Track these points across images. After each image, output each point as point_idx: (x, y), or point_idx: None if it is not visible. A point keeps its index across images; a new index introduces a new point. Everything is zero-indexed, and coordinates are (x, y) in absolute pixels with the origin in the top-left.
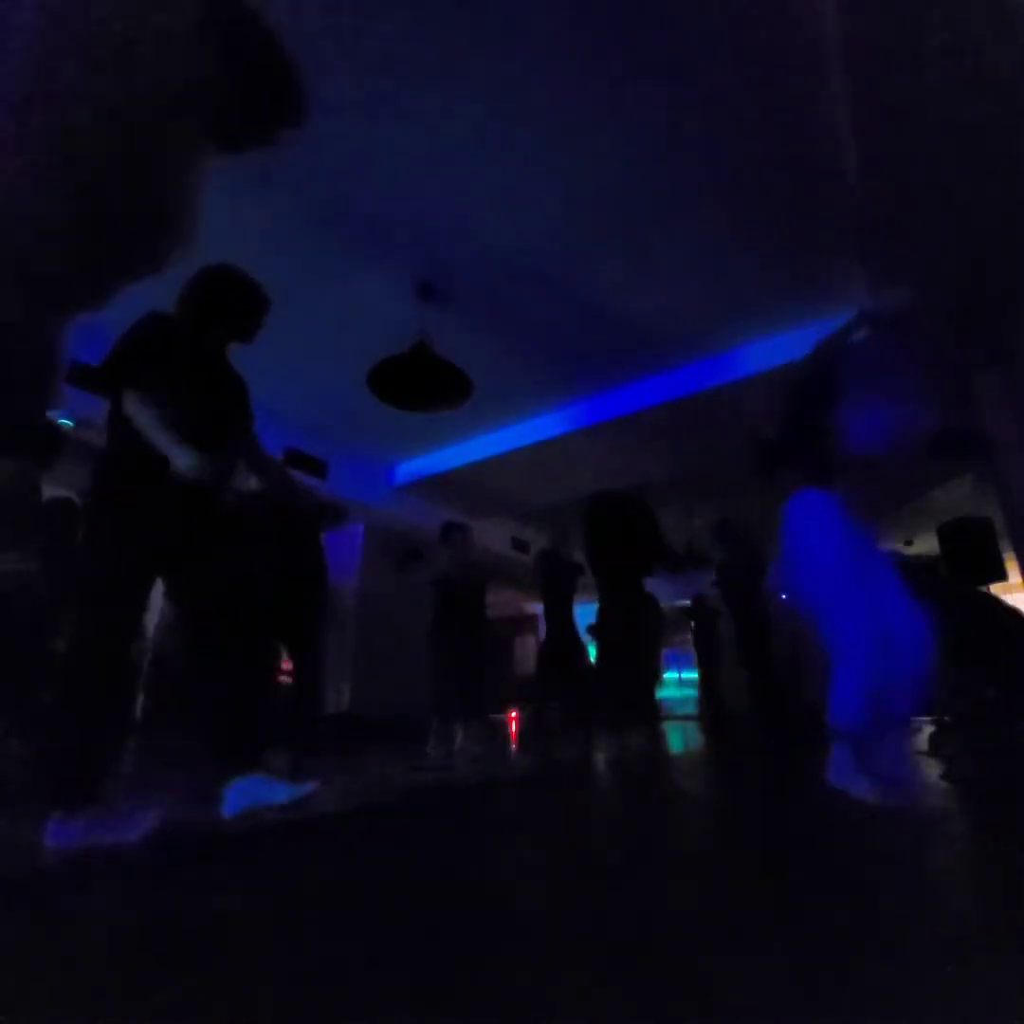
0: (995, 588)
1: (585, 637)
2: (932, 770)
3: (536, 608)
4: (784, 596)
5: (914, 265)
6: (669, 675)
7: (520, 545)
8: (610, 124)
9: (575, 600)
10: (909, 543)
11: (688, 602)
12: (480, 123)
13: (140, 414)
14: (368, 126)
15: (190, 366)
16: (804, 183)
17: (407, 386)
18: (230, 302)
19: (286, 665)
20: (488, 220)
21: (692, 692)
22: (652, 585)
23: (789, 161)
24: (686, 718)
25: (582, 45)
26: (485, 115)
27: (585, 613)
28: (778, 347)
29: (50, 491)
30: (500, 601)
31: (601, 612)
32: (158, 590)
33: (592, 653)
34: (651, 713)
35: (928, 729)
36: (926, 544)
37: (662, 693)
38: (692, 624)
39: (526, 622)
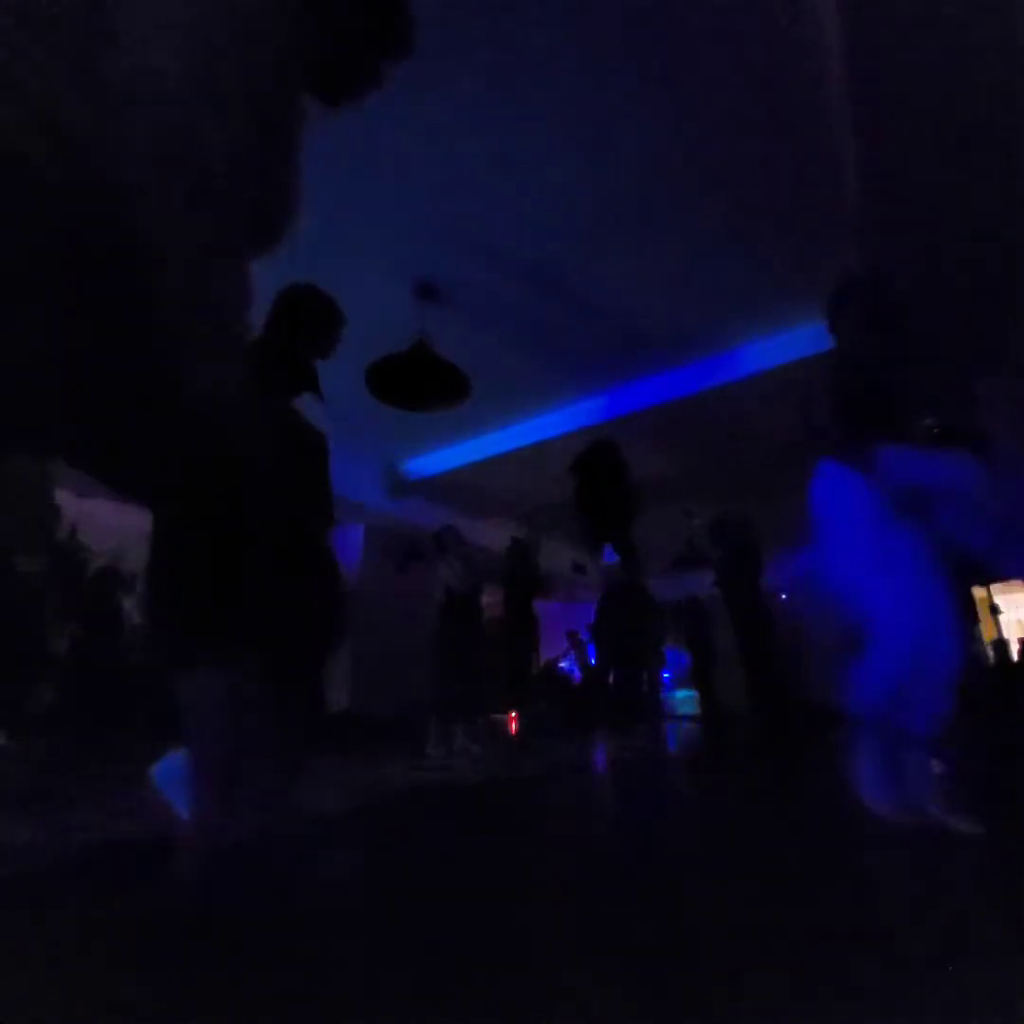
0: (995, 588)
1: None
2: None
3: (538, 607)
4: (784, 595)
5: (914, 266)
6: (668, 675)
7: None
8: (610, 124)
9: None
10: None
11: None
12: (480, 123)
13: None
14: (368, 125)
15: (291, 384)
16: (804, 183)
17: (406, 385)
18: (317, 319)
19: None
20: (488, 220)
21: (692, 692)
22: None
23: (789, 160)
24: (686, 718)
25: (582, 45)
26: (485, 114)
27: (584, 612)
28: (778, 347)
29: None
30: (500, 601)
31: (599, 612)
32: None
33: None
34: (654, 712)
35: None
36: None
37: (664, 693)
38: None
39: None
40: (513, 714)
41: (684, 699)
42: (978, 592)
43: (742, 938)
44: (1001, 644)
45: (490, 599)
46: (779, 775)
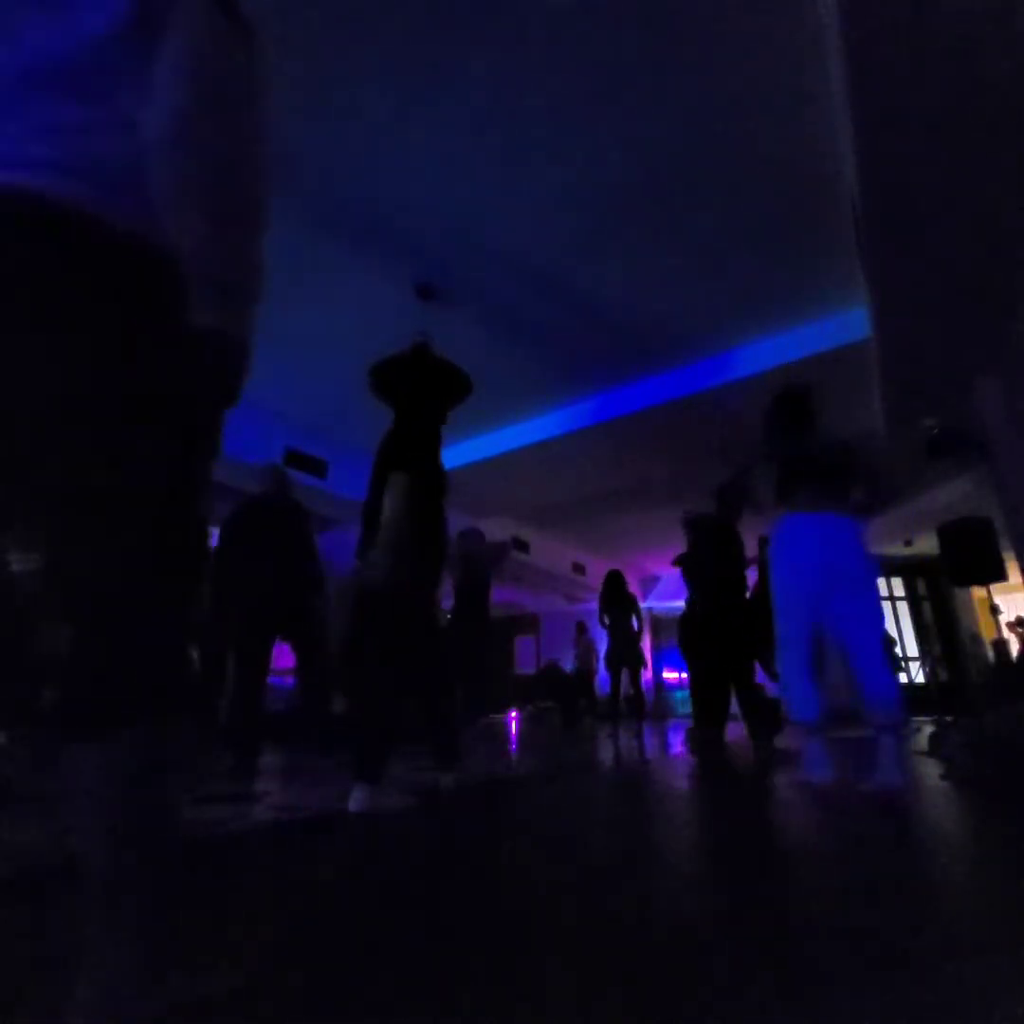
0: (995, 588)
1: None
2: (932, 770)
3: (538, 607)
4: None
5: (915, 267)
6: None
7: (520, 545)
8: (610, 126)
9: None
10: (909, 543)
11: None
12: (481, 125)
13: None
14: (369, 128)
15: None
16: (804, 183)
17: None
18: (451, 384)
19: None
20: (489, 221)
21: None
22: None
23: (789, 161)
24: (688, 718)
25: (582, 47)
26: (486, 117)
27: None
28: (778, 347)
29: None
30: (500, 601)
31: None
32: None
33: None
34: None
35: (928, 729)
36: (926, 544)
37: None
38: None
39: (526, 622)
40: (513, 713)
41: (685, 699)
42: (978, 592)
43: (743, 937)
44: (1001, 644)
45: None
46: (778, 774)
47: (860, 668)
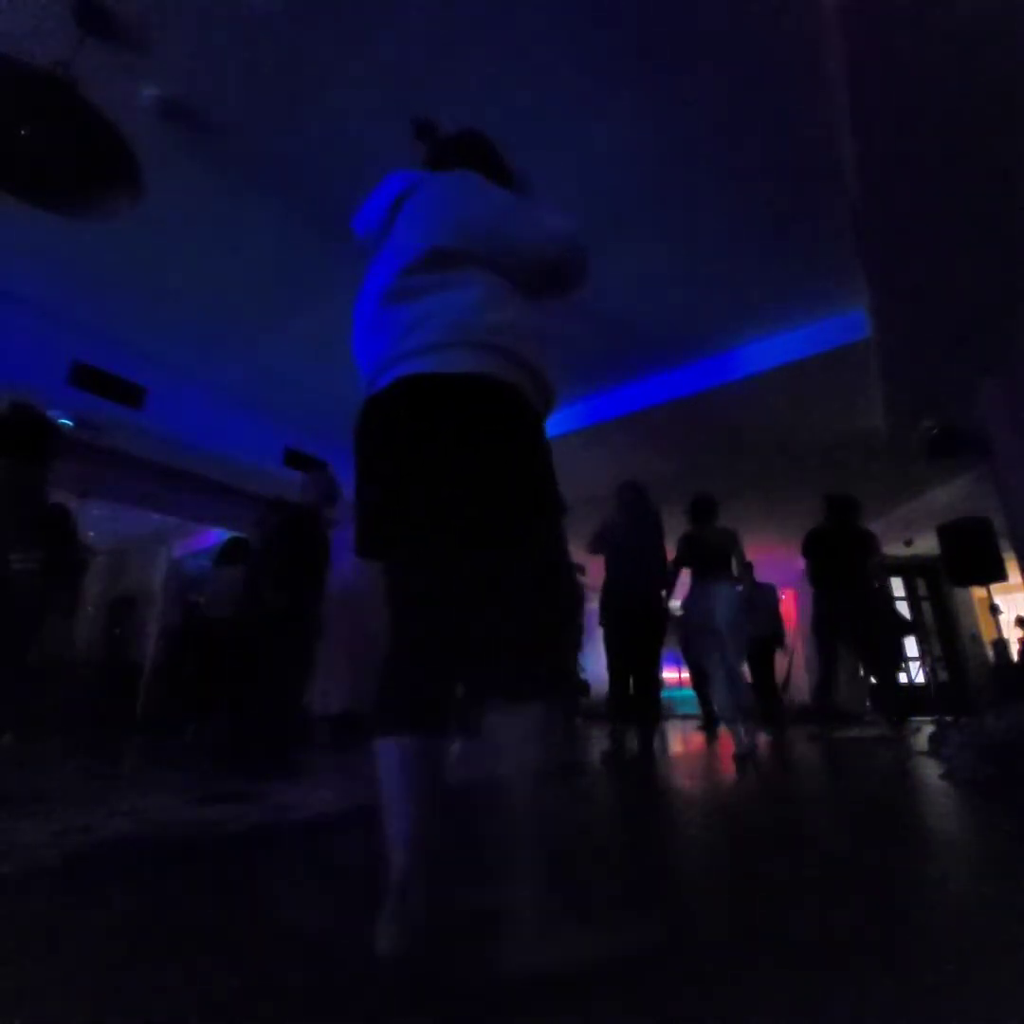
0: (995, 588)
1: None
2: (932, 770)
3: None
4: (782, 595)
5: (915, 267)
6: (669, 675)
7: None
8: (609, 125)
9: None
10: (909, 543)
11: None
12: (479, 123)
13: None
14: (367, 128)
15: None
16: (805, 184)
17: None
18: None
19: None
20: None
21: (691, 693)
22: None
23: (790, 161)
24: (686, 718)
25: (582, 45)
26: (483, 114)
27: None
28: (778, 347)
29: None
30: None
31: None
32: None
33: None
34: None
35: (928, 729)
36: (926, 544)
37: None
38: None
39: None
40: None
41: (684, 699)
42: (978, 592)
43: (742, 937)
44: (1001, 644)
45: None
46: (774, 772)
47: (725, 680)
